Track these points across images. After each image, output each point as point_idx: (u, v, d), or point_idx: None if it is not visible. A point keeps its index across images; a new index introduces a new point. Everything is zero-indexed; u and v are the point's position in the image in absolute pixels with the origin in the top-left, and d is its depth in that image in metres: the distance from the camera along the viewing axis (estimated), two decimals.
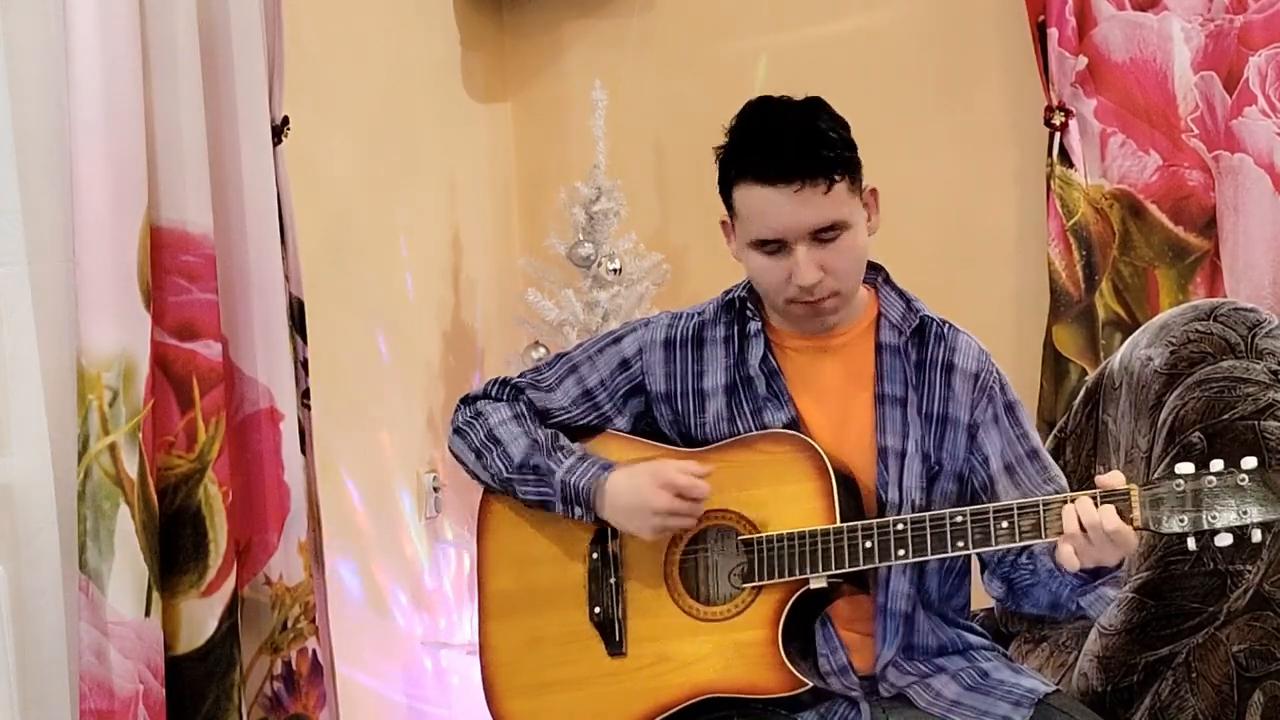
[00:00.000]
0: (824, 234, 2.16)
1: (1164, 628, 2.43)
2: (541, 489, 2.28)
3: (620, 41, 3.77)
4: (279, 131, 2.79)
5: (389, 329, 3.49)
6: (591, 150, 3.45)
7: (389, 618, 3.45)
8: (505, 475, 2.31)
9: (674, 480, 2.21)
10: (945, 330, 2.28)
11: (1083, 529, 2.03)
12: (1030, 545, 2.13)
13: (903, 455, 2.23)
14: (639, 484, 2.23)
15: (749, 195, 2.17)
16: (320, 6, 3.21)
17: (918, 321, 2.27)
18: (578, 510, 2.26)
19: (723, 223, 2.29)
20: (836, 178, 2.14)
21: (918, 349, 2.27)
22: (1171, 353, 2.58)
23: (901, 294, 2.31)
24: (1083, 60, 3.19)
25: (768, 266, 2.20)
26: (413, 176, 3.60)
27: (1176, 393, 2.52)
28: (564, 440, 2.32)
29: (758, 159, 2.16)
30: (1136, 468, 2.62)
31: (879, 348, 2.27)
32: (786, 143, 2.15)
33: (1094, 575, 2.14)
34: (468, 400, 2.42)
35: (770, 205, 2.15)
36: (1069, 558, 2.04)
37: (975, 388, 2.26)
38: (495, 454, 2.32)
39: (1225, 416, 2.44)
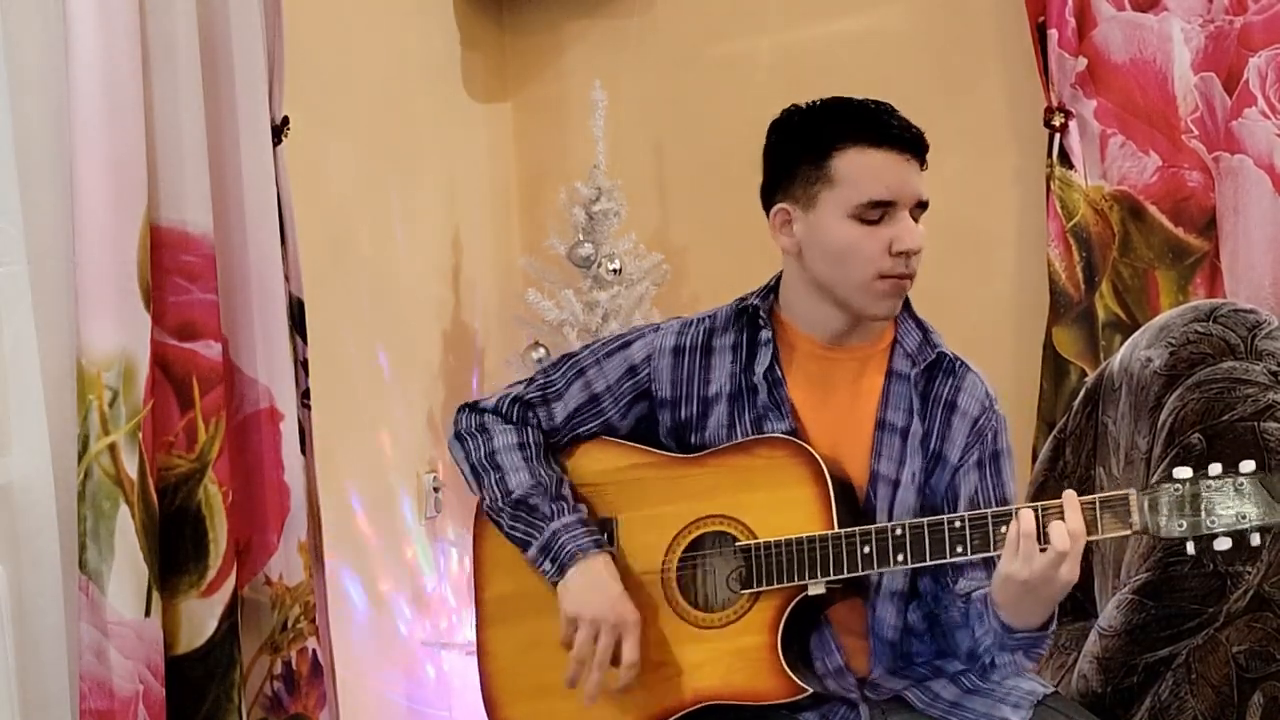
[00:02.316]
0: (918, 209, 2.20)
1: (1164, 629, 2.43)
2: (529, 531, 2.26)
3: (620, 41, 3.77)
4: (279, 131, 2.79)
5: (389, 329, 3.49)
6: (591, 150, 3.45)
7: (389, 618, 3.45)
8: (498, 505, 2.29)
9: (629, 632, 2.18)
10: (956, 367, 2.26)
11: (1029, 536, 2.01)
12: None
13: (895, 484, 2.21)
14: (613, 593, 2.20)
15: (862, 157, 2.17)
16: (320, 6, 3.21)
17: (934, 356, 2.26)
18: (549, 566, 2.24)
19: (779, 211, 2.23)
20: (924, 163, 2.21)
21: (926, 382, 2.26)
22: (1171, 354, 2.59)
23: (920, 324, 2.29)
24: (1082, 61, 3.19)
25: (864, 236, 2.17)
26: (413, 176, 3.60)
27: (1176, 394, 2.52)
28: (566, 490, 2.29)
29: (876, 126, 2.18)
30: (1136, 469, 2.62)
31: (889, 373, 2.26)
32: (897, 116, 2.20)
33: (1021, 636, 2.11)
34: (475, 409, 2.38)
35: (887, 167, 2.17)
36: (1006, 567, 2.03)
37: (971, 431, 2.24)
38: (493, 478, 2.30)
39: (1225, 418, 2.44)
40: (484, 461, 2.32)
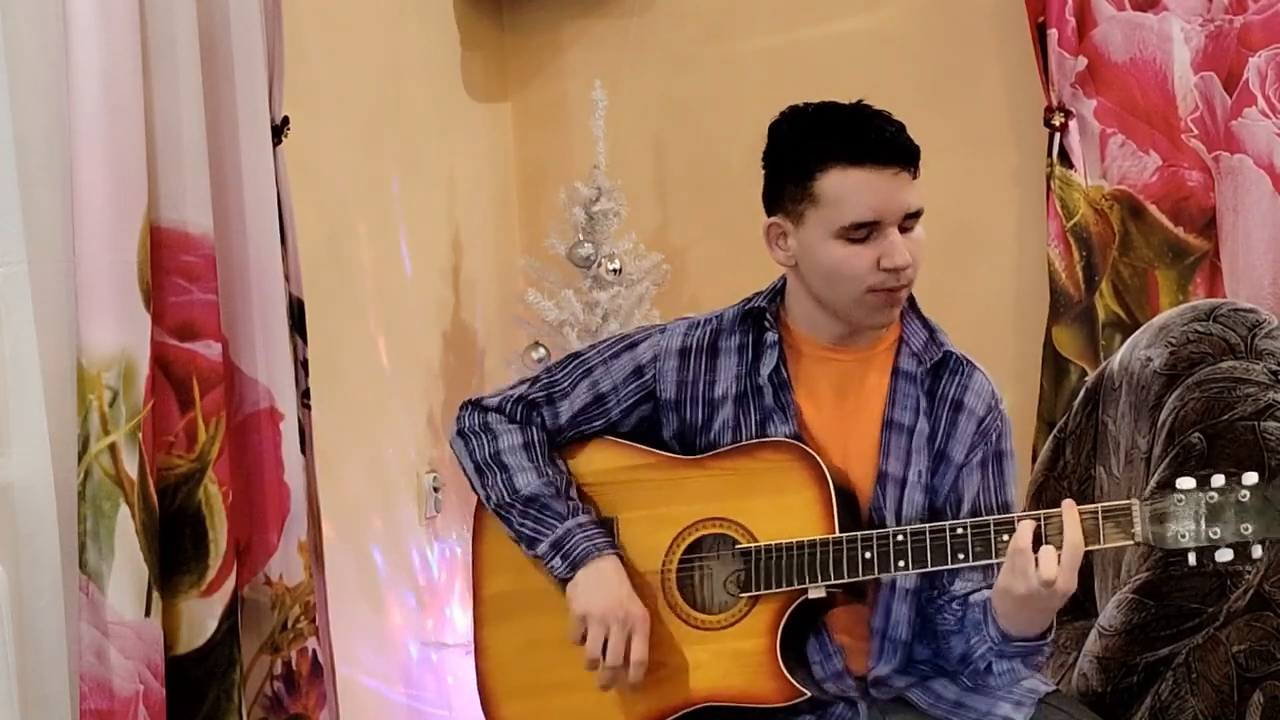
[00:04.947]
0: (910, 220, 2.18)
1: (1164, 628, 2.43)
2: (539, 528, 2.25)
3: (620, 41, 3.77)
4: (279, 131, 2.79)
5: (389, 329, 3.49)
6: (591, 150, 3.45)
7: (389, 618, 3.45)
8: (506, 501, 2.28)
9: (639, 630, 2.19)
10: (963, 366, 2.26)
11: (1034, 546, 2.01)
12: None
13: (903, 484, 2.21)
14: (624, 592, 2.21)
15: (844, 179, 2.15)
16: (320, 6, 3.21)
17: (940, 355, 2.25)
18: (560, 564, 2.23)
19: (772, 225, 2.23)
20: (916, 170, 2.18)
21: (932, 380, 2.25)
22: (1171, 353, 2.59)
23: (926, 323, 2.28)
24: (1082, 61, 3.19)
25: (851, 255, 2.16)
26: (412, 177, 3.59)
27: (1176, 393, 2.52)
28: (574, 492, 2.29)
29: (857, 143, 2.15)
30: (1136, 468, 2.62)
31: (895, 372, 2.25)
32: (882, 129, 2.17)
33: (1019, 645, 2.12)
34: (479, 406, 2.37)
35: (869, 186, 2.14)
36: (1004, 580, 2.04)
37: (977, 431, 2.23)
38: (499, 478, 2.30)
39: (1225, 417, 2.44)
40: (489, 460, 2.32)
